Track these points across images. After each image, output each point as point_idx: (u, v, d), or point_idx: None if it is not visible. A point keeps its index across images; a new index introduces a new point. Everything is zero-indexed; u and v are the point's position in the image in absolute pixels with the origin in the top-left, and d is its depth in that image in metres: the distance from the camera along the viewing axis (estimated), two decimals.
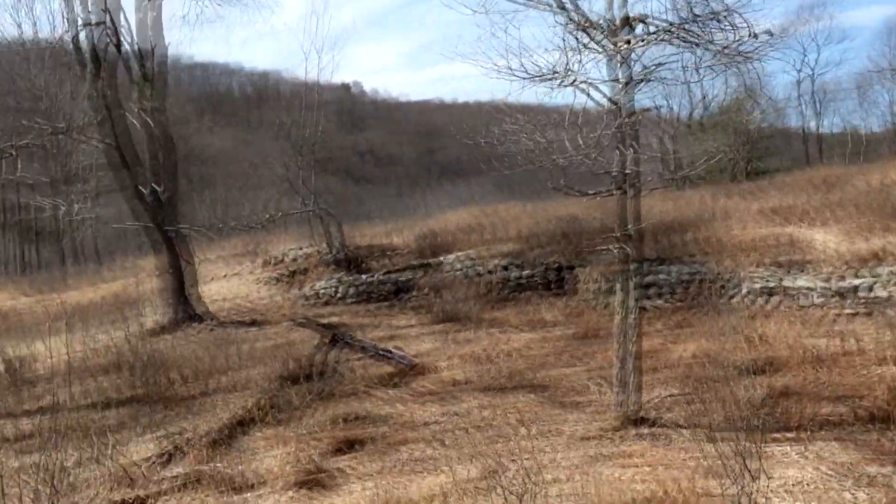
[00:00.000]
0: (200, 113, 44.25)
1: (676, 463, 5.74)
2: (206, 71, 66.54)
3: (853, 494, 5.00)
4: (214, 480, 6.01)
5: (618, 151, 6.67)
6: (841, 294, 10.48)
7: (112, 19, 12.67)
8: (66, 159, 28.64)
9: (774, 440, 5.91)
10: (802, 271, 11.21)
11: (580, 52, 6.60)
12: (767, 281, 11.44)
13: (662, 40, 6.53)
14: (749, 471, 4.49)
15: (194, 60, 53.31)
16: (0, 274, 32.31)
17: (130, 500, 5.71)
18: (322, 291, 16.10)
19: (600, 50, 6.68)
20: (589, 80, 6.76)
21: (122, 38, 13.36)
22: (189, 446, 6.76)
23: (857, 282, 10.44)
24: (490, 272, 14.97)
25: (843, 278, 10.64)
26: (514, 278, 14.64)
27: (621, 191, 6.67)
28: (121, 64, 13.98)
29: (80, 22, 12.83)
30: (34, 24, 28.40)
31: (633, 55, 6.68)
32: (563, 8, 6.63)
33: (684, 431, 6.39)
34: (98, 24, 12.68)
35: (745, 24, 6.23)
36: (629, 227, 6.76)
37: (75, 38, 13.17)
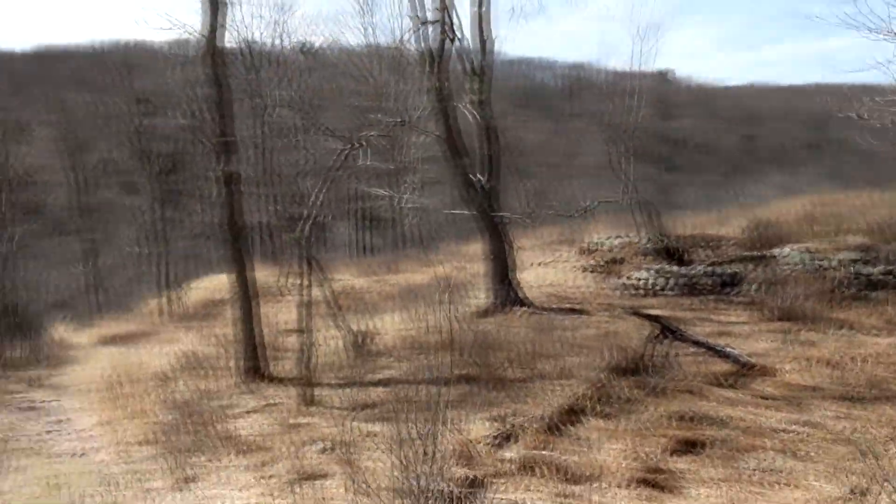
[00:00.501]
0: (517, 106, 45.83)
1: None
2: (523, 66, 68.70)
3: None
4: (549, 468, 5.92)
5: None
6: None
7: (448, 17, 13.43)
8: (398, 153, 31.11)
9: None
10: None
11: None
12: None
13: None
14: None
15: (513, 56, 55.25)
16: (342, 256, 35.98)
17: (470, 479, 5.78)
18: (639, 282, 15.60)
19: None
20: None
21: (455, 35, 14.08)
22: (522, 430, 6.76)
23: None
24: (833, 268, 13.38)
25: None
26: (864, 275, 12.92)
27: None
28: (454, 59, 14.73)
29: (419, 21, 13.73)
30: (372, 30, 31.28)
31: None
32: None
33: None
34: (434, 21, 13.50)
35: None
36: None
37: (416, 37, 14.13)
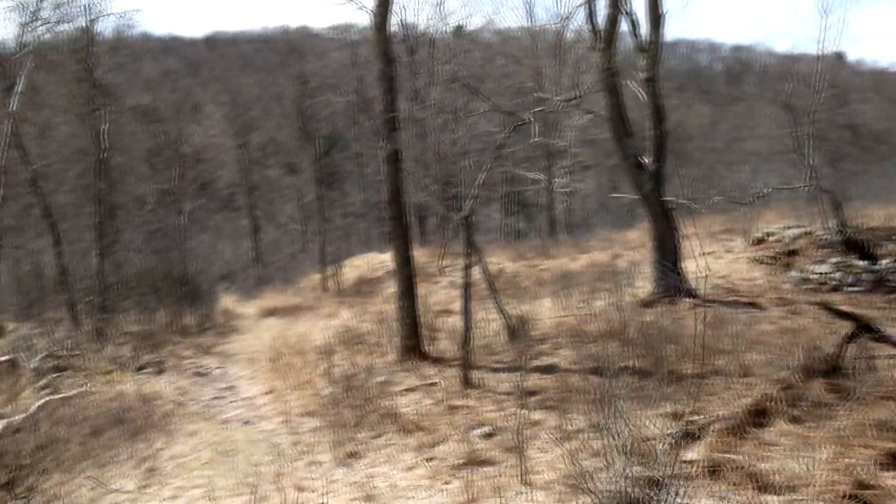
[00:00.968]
0: (676, 89, 43.97)
1: None
2: (683, 48, 66.12)
3: None
4: (738, 474, 5.36)
5: None
6: None
7: None
8: (552, 135, 30.48)
9: None
10: None
11: None
12: None
13: None
14: None
15: (671, 38, 53.19)
16: (490, 240, 35.89)
17: (649, 479, 5.31)
18: (817, 276, 14.34)
19: None
20: None
21: (625, 9, 13.42)
22: (704, 430, 6.20)
23: None
24: None
25: None
26: None
27: None
28: (622, 36, 14.09)
29: None
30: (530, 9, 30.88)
31: None
32: None
33: None
34: None
35: None
36: None
37: (585, 12, 13.59)
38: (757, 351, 8.90)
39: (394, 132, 9.97)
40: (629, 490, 5.15)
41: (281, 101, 35.69)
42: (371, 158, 42.95)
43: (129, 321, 14.95)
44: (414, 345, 10.15)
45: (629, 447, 5.72)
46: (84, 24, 16.91)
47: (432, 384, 8.85)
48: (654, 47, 14.72)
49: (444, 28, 27.01)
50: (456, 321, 13.49)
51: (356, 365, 10.39)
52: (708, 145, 38.55)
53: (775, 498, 5.04)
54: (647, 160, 14.04)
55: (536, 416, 7.28)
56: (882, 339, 8.04)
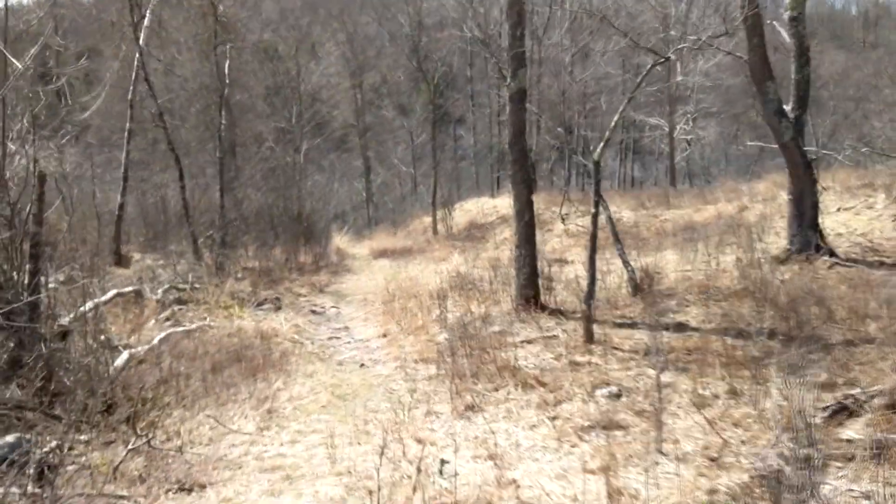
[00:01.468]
0: (811, 34, 40.89)
1: None
2: None
3: None
4: None
5: None
6: None
7: None
8: (675, 79, 28.94)
9: None
10: None
11: None
12: None
13: None
14: None
15: None
16: (607, 188, 34.81)
17: (799, 458, 4.78)
18: None
19: None
20: None
21: None
22: (861, 406, 5.57)
23: None
24: None
25: None
26: None
27: None
28: None
29: None
30: None
31: None
32: None
33: None
34: None
35: None
36: None
37: None
38: None
39: (521, 69, 9.44)
40: (782, 468, 4.64)
41: (396, 40, 35.41)
42: (485, 100, 42.33)
43: (248, 257, 15.20)
44: (532, 295, 9.76)
45: (779, 420, 5.19)
46: None
47: (552, 337, 8.45)
48: None
49: None
50: (572, 271, 13.03)
51: (470, 312, 10.10)
52: (843, 93, 35.88)
53: None
54: (788, 107, 13.01)
55: (666, 377, 6.78)
56: None
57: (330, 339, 9.81)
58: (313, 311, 11.87)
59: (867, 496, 4.47)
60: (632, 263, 11.26)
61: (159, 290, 10.25)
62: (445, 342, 8.51)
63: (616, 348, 7.91)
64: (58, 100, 29.12)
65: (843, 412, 5.55)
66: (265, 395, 6.28)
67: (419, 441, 5.40)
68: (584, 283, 10.62)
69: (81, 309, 7.79)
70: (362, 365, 8.15)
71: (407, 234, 26.18)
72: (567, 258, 15.74)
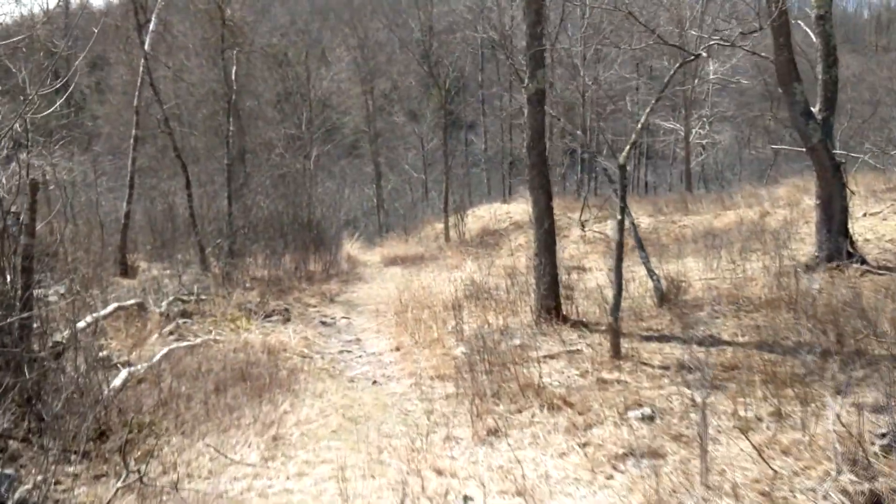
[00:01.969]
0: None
1: None
2: None
3: None
4: None
5: None
6: None
7: None
8: (690, 82, 28.42)
9: None
10: None
11: None
12: None
13: None
14: None
15: None
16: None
17: (866, 493, 4.29)
18: None
19: None
20: None
21: None
22: None
23: None
24: None
25: None
26: None
27: None
28: None
29: None
30: None
31: None
32: None
33: None
34: None
35: None
36: None
37: None
38: None
39: (539, 69, 8.99)
40: None
41: (407, 45, 35.05)
42: (496, 104, 41.88)
43: (257, 266, 14.80)
44: (552, 305, 9.29)
45: (836, 450, 4.70)
46: None
47: (576, 351, 7.98)
48: None
49: None
50: (591, 279, 12.55)
51: (488, 324, 9.64)
52: (859, 97, 35.31)
53: None
54: (814, 108, 12.52)
55: (701, 397, 6.30)
56: None
57: (341, 352, 9.37)
58: (323, 323, 11.44)
59: None
60: (661, 271, 10.81)
61: (163, 302, 9.84)
62: (463, 357, 8.05)
63: (645, 364, 7.43)
64: (67, 107, 28.89)
65: None
66: (271, 418, 5.82)
67: (439, 472, 4.94)
68: (607, 293, 10.16)
69: (79, 324, 7.37)
70: (375, 382, 7.70)
71: (418, 241, 25.74)
72: (585, 266, 15.28)
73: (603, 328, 8.89)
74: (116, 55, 25.01)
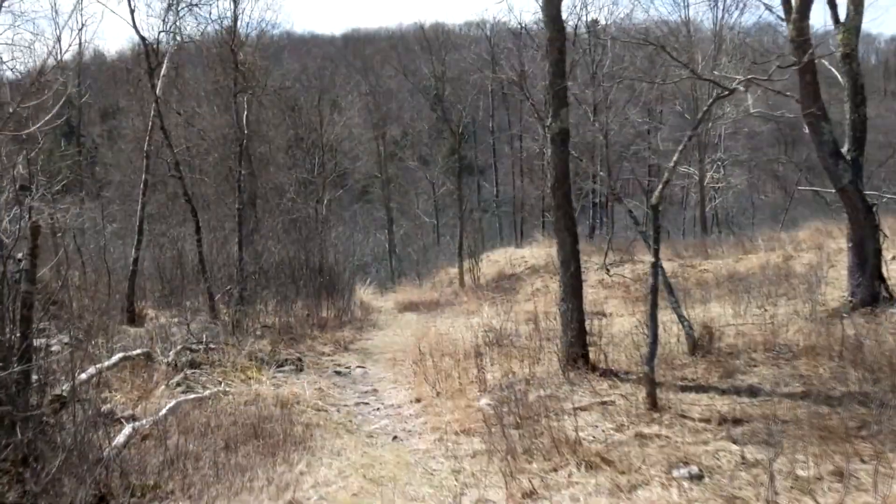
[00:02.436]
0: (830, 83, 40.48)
1: None
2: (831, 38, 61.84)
3: None
4: None
5: None
6: None
7: None
8: (703, 126, 28.18)
9: None
10: None
11: None
12: None
13: None
14: None
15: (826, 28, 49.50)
16: (633, 238, 33.86)
17: None
18: None
19: None
20: None
21: None
22: None
23: None
24: None
25: None
26: None
27: None
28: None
29: None
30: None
31: None
32: None
33: None
34: None
35: None
36: None
37: None
38: None
39: (563, 108, 8.66)
40: None
41: (416, 93, 35.19)
42: (506, 152, 41.85)
43: (267, 312, 14.38)
44: (580, 353, 8.82)
45: None
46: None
47: (609, 403, 7.48)
48: (854, 17, 12.76)
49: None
50: (613, 325, 12.06)
51: (512, 373, 9.17)
52: (874, 140, 35.13)
53: None
54: (843, 149, 12.17)
55: (750, 453, 5.81)
56: None
57: (357, 404, 8.89)
58: (338, 373, 10.97)
59: None
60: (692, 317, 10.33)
61: (171, 352, 9.41)
62: (489, 409, 7.57)
63: (684, 416, 6.93)
64: (78, 155, 28.84)
65: None
66: (286, 480, 5.33)
67: None
68: (634, 339, 9.71)
69: (81, 376, 6.96)
70: (395, 437, 7.21)
71: (432, 286, 25.32)
72: (605, 311, 14.80)
73: (634, 378, 8.41)
74: (128, 102, 25.02)
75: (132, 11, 15.46)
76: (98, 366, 7.26)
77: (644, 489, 5.21)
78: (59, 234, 15.26)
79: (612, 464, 5.74)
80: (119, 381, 8.16)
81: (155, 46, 14.43)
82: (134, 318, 13.14)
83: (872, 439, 5.91)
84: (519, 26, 22.29)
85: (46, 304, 9.85)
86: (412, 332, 14.41)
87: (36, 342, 8.49)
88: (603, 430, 6.69)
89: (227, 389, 8.43)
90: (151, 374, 8.41)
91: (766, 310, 11.90)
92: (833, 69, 12.80)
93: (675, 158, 7.49)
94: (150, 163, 14.77)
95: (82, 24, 21.51)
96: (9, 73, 12.33)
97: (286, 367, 10.37)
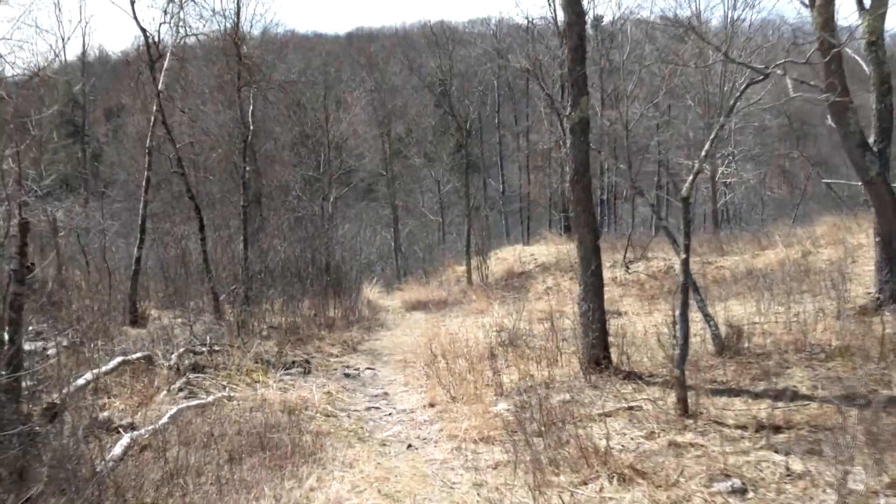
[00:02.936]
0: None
1: None
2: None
3: None
4: None
5: None
6: None
7: None
8: (714, 117, 27.70)
9: None
10: None
11: None
12: None
13: None
14: None
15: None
16: (642, 235, 33.45)
17: None
18: None
19: None
20: None
21: None
22: None
23: None
24: None
25: None
26: None
27: None
28: None
29: None
30: None
31: None
32: None
33: None
34: None
35: None
36: None
37: None
38: None
39: (582, 96, 8.23)
40: None
41: (421, 90, 34.78)
42: (512, 149, 41.34)
43: (273, 312, 13.97)
44: (601, 355, 8.39)
45: None
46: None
47: (636, 408, 7.05)
48: (880, 3, 12.30)
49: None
50: (630, 324, 11.62)
51: (529, 376, 8.75)
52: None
53: None
54: (869, 140, 11.71)
55: (795, 464, 5.38)
56: None
57: (368, 409, 8.47)
58: (346, 375, 10.56)
59: None
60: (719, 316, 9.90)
61: (173, 355, 9.00)
62: (508, 414, 7.15)
63: (718, 423, 6.49)
64: (82, 154, 28.48)
65: None
66: (295, 498, 4.92)
67: None
68: (660, 340, 9.26)
69: (78, 382, 6.56)
70: (410, 446, 6.79)
71: (440, 285, 24.88)
72: (621, 310, 14.37)
73: (660, 380, 7.98)
74: (131, 99, 24.64)
75: (132, 2, 15.04)
76: (95, 371, 6.85)
77: None
78: (62, 234, 14.88)
79: (646, 476, 5.31)
80: (119, 386, 7.76)
81: (156, 39, 14.02)
82: (136, 320, 12.75)
83: None
84: (526, 20, 21.89)
85: (43, 305, 9.44)
86: (421, 332, 14.00)
87: (31, 346, 8.08)
88: (632, 438, 6.26)
89: (232, 394, 8.03)
90: (152, 378, 8.01)
91: (789, 308, 11.46)
92: (858, 58, 12.33)
93: (705, 147, 7.05)
94: (153, 159, 14.36)
95: (86, 22, 21.04)
96: (10, 70, 11.95)
97: (293, 370, 9.96)
